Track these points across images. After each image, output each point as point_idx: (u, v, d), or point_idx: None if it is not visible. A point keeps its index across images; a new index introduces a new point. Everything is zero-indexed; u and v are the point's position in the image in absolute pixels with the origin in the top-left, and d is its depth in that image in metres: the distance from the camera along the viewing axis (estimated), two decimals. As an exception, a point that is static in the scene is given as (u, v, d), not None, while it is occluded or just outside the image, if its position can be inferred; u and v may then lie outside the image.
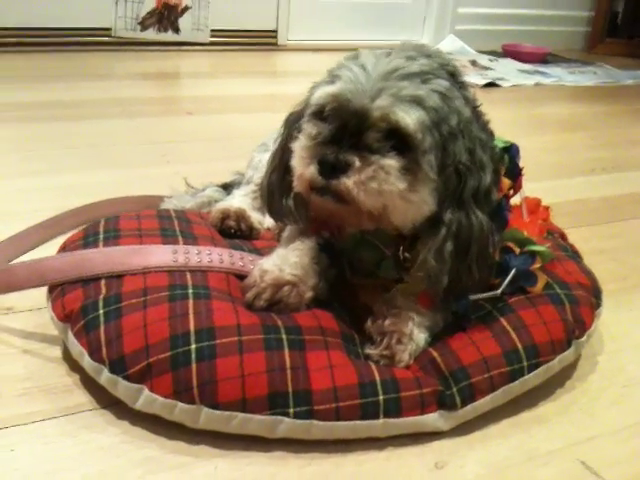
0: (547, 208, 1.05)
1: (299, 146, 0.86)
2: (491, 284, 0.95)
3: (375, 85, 0.82)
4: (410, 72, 0.83)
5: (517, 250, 0.96)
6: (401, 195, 0.82)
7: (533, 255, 0.97)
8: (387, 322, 0.89)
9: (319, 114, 0.86)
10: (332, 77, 0.86)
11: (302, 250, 0.96)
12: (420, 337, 0.89)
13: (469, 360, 0.86)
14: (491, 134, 0.92)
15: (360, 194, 0.81)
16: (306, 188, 0.86)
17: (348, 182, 0.81)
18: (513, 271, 0.95)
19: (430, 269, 0.86)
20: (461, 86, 0.89)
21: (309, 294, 0.92)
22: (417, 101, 0.82)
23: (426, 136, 0.81)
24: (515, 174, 0.96)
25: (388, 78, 0.82)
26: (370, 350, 0.88)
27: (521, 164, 0.98)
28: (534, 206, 1.04)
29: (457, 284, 0.87)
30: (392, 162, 0.81)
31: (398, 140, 0.81)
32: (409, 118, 0.81)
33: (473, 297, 0.91)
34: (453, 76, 0.88)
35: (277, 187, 0.96)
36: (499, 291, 0.93)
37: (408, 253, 0.92)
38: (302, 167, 0.85)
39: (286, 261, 0.94)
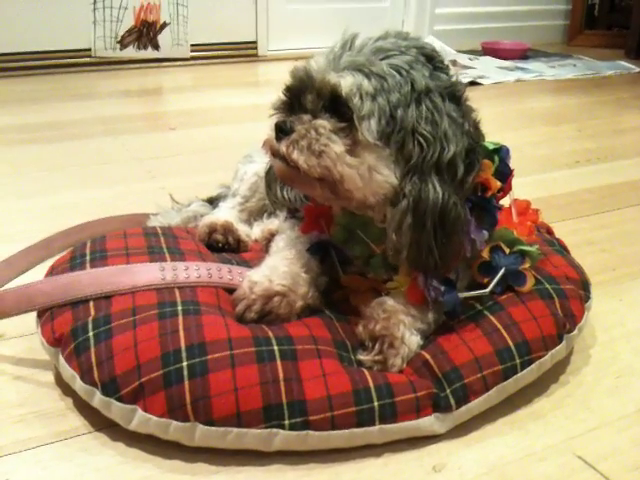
0: (536, 211, 1.05)
1: (271, 118, 0.91)
2: (480, 283, 0.95)
3: (334, 61, 0.86)
4: (372, 48, 0.86)
5: (507, 250, 0.96)
6: (341, 159, 0.84)
7: (522, 255, 0.97)
8: (378, 326, 0.88)
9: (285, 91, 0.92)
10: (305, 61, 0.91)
11: (291, 259, 0.96)
12: (412, 340, 0.88)
13: (461, 360, 0.86)
14: (479, 131, 0.92)
15: (294, 153, 0.85)
16: (271, 155, 0.91)
17: (286, 142, 0.86)
18: (502, 270, 0.95)
19: (392, 242, 0.87)
20: (437, 68, 0.89)
21: (299, 303, 0.92)
22: (358, 68, 0.84)
23: (365, 101, 0.83)
24: (505, 175, 0.96)
25: (343, 55, 0.86)
26: (362, 356, 0.87)
27: (512, 166, 0.98)
28: (524, 208, 1.04)
29: (418, 260, 0.86)
30: (323, 122, 0.85)
31: (339, 106, 0.85)
32: (344, 82, 0.84)
33: (462, 295, 0.91)
34: (430, 59, 0.88)
35: (273, 177, 0.99)
36: (488, 290, 0.93)
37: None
38: (268, 135, 0.90)
39: (275, 271, 0.94)
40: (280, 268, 0.95)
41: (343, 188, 0.86)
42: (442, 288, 0.89)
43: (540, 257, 1.01)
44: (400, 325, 0.88)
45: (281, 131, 0.87)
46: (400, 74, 0.85)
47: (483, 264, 0.96)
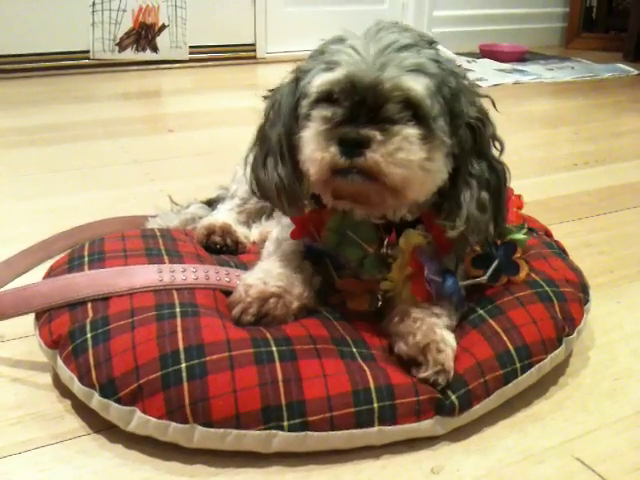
0: (519, 196, 1.06)
1: (312, 132, 0.84)
2: (474, 275, 0.96)
3: (377, 60, 0.83)
4: (404, 44, 0.84)
5: (498, 240, 0.97)
6: (421, 165, 0.83)
7: (514, 245, 0.98)
8: (419, 337, 0.85)
9: (324, 100, 0.85)
10: (328, 64, 0.85)
11: (285, 261, 0.96)
12: (450, 338, 0.87)
13: (464, 366, 0.86)
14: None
15: (390, 166, 0.81)
16: (327, 173, 0.84)
17: (375, 156, 0.81)
18: (496, 261, 0.96)
19: (478, 221, 0.88)
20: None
21: (295, 304, 0.92)
22: (419, 69, 0.83)
23: (434, 102, 0.84)
24: None
25: (387, 52, 0.83)
26: (422, 374, 0.84)
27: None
28: (508, 195, 1.05)
29: (496, 229, 0.91)
30: (414, 131, 0.82)
31: (410, 111, 0.83)
32: (419, 85, 0.82)
33: (461, 283, 0.92)
34: (432, 45, 0.89)
35: (289, 179, 0.92)
36: (485, 277, 0.95)
37: (391, 249, 0.92)
38: (320, 151, 0.83)
39: (269, 273, 0.94)
40: (274, 270, 0.95)
41: (406, 192, 0.85)
42: (440, 279, 0.89)
43: (527, 240, 1.03)
44: (435, 328, 0.87)
45: (356, 144, 0.81)
46: (442, 69, 0.86)
47: (477, 257, 0.97)
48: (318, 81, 0.85)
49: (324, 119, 0.83)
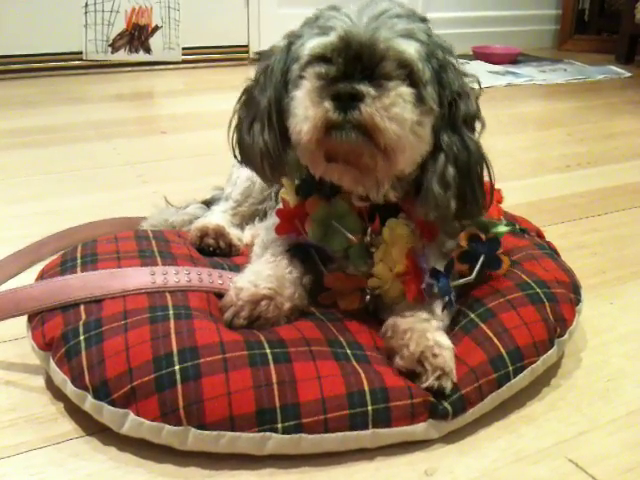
0: (499, 190, 1.06)
1: (306, 90, 0.84)
2: (460, 271, 0.97)
3: (371, 24, 0.83)
4: (397, 13, 0.86)
5: (482, 236, 0.98)
6: (412, 128, 0.83)
7: (498, 241, 0.99)
8: (412, 348, 0.85)
9: (317, 61, 0.85)
10: (321, 29, 0.86)
11: (274, 262, 0.96)
12: (444, 339, 0.87)
13: (458, 375, 0.85)
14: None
15: (385, 121, 0.81)
16: (321, 130, 0.83)
17: (371, 109, 0.81)
18: (482, 258, 0.96)
19: (437, 196, 0.87)
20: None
21: (287, 305, 0.92)
22: (410, 34, 0.85)
23: (425, 67, 0.84)
24: None
25: (380, 18, 0.84)
26: (425, 383, 0.83)
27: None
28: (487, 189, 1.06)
29: (463, 208, 0.89)
30: (408, 90, 0.83)
31: (404, 71, 0.84)
32: (411, 48, 0.83)
33: (453, 284, 0.92)
34: (423, 21, 0.90)
35: (274, 145, 0.92)
36: (472, 277, 0.95)
37: (375, 237, 0.93)
38: (314, 107, 0.82)
39: (259, 275, 0.94)
40: (264, 272, 0.94)
41: (397, 158, 0.85)
42: (433, 279, 0.90)
43: (509, 230, 1.04)
44: (426, 334, 0.87)
45: (351, 98, 0.81)
46: (430, 40, 0.87)
47: (464, 253, 0.97)
48: (312, 44, 0.86)
49: (318, 75, 0.84)
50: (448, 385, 0.83)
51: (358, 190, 0.91)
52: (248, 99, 0.96)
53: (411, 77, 0.84)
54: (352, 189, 0.92)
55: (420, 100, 0.84)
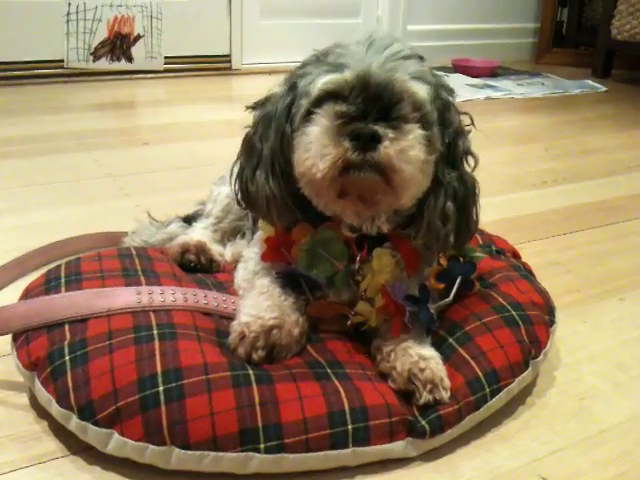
0: None
1: (324, 126, 0.85)
2: (437, 290, 1.00)
3: (386, 64, 0.86)
4: (407, 54, 0.89)
5: (461, 259, 1.02)
6: (421, 167, 0.87)
7: (474, 265, 1.03)
8: (399, 367, 0.88)
9: (330, 98, 0.86)
10: (332, 66, 0.88)
11: (267, 292, 0.96)
12: (426, 350, 0.91)
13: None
14: None
15: (402, 163, 0.84)
16: (339, 168, 0.84)
17: (388, 150, 0.83)
18: (459, 279, 1.00)
19: (438, 230, 0.91)
20: None
21: (296, 330, 0.93)
22: (421, 76, 0.88)
23: (432, 108, 0.88)
24: None
25: (393, 58, 0.87)
26: (420, 401, 0.86)
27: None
28: None
29: (457, 239, 0.94)
30: (422, 132, 0.86)
31: (418, 113, 0.87)
32: (423, 90, 0.87)
33: (432, 307, 0.94)
34: (422, 59, 0.93)
35: (280, 192, 0.93)
36: (450, 298, 0.99)
37: (362, 266, 0.95)
38: (332, 146, 0.84)
39: (260, 307, 0.93)
40: (262, 303, 0.94)
41: (402, 194, 0.88)
42: (415, 308, 0.92)
43: (484, 257, 1.09)
44: (409, 350, 0.89)
45: (370, 140, 0.83)
46: (436, 81, 0.91)
47: (441, 272, 1.00)
48: (324, 79, 0.87)
49: (337, 114, 0.85)
50: (443, 395, 0.86)
51: (354, 221, 0.94)
52: (248, 147, 0.97)
53: (422, 119, 0.87)
54: (351, 221, 0.94)
55: (428, 140, 0.87)
